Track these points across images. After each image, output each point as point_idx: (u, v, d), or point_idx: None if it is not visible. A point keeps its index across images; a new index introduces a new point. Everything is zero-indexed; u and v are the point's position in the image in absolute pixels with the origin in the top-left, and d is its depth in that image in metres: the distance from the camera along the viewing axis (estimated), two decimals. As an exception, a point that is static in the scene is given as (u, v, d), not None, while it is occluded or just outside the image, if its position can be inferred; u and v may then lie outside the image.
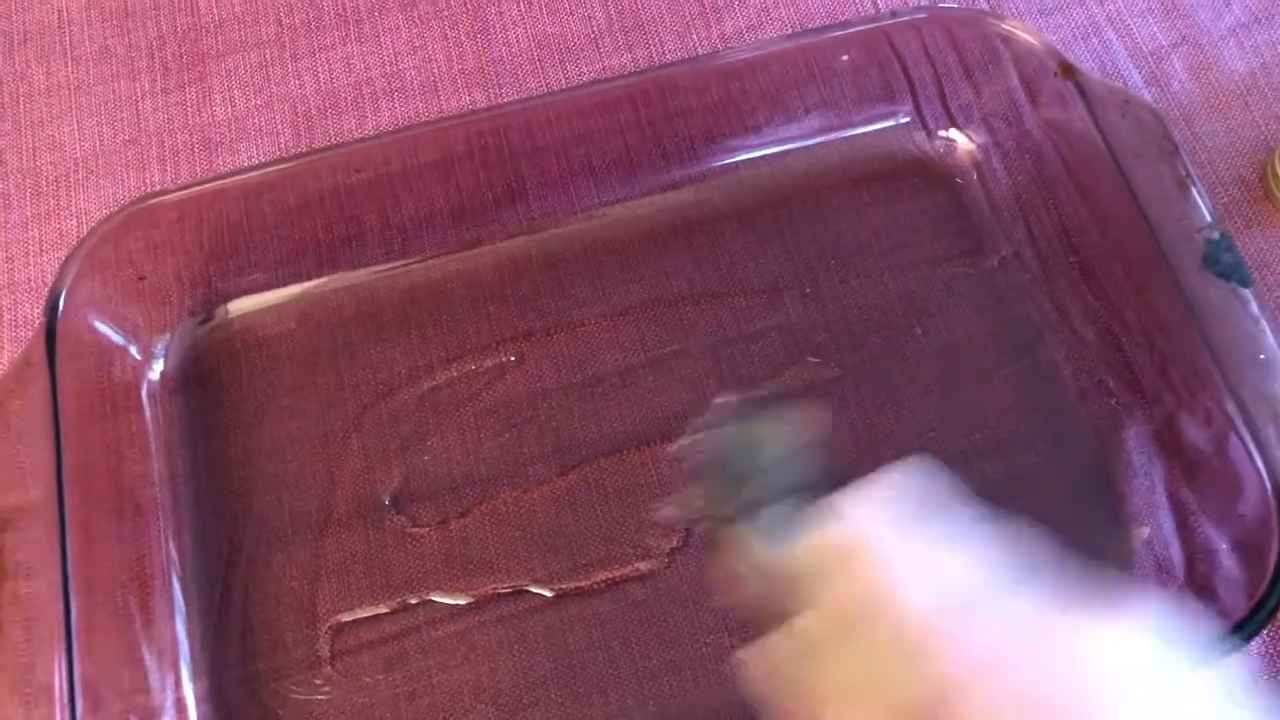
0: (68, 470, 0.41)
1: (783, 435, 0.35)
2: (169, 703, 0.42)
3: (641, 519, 0.45)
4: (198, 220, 0.47)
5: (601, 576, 0.44)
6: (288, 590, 0.44)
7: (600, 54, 0.54)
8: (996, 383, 0.47)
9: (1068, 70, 0.46)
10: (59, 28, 0.56)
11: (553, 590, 0.44)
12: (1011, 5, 0.54)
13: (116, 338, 0.47)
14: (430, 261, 0.50)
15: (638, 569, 0.44)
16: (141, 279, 0.47)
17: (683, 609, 0.44)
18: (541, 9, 0.55)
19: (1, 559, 0.40)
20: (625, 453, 0.47)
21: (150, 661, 0.43)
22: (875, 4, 0.55)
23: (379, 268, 0.50)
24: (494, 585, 0.44)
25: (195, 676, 0.43)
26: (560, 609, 0.44)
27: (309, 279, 0.50)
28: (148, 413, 0.47)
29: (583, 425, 0.47)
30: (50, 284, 0.49)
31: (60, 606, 0.39)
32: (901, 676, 0.29)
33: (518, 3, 0.56)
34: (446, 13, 0.56)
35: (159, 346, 0.48)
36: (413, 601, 0.44)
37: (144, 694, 0.42)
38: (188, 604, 0.44)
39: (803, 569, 0.32)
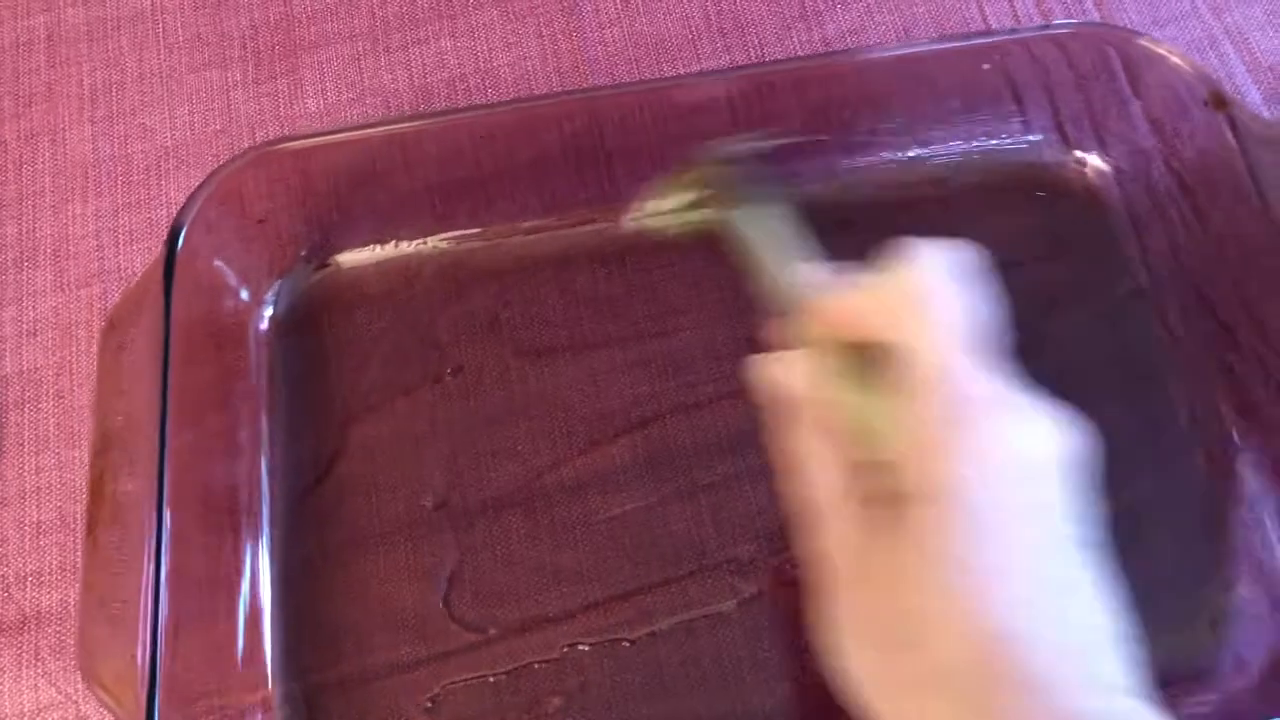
0: (171, 402, 0.41)
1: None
2: (254, 703, 0.42)
3: (733, 523, 0.44)
4: (320, 168, 0.47)
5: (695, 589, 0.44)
6: (375, 592, 0.44)
7: (698, 55, 0.53)
8: (1108, 410, 0.45)
9: (1220, 102, 0.44)
10: (152, 14, 0.56)
11: (639, 619, 0.43)
12: (1126, 17, 0.52)
13: (230, 278, 0.47)
14: (556, 231, 0.50)
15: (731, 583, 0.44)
16: (261, 222, 0.47)
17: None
18: (638, 8, 0.54)
19: (103, 480, 0.40)
20: (714, 464, 0.46)
21: (237, 661, 0.42)
22: (983, 15, 0.53)
23: (497, 227, 0.50)
24: (585, 599, 0.43)
25: (279, 678, 0.43)
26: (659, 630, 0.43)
27: (421, 237, 0.49)
28: (253, 354, 0.47)
29: (674, 436, 0.46)
30: (150, 260, 0.49)
31: (153, 532, 0.39)
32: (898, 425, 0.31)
33: (614, 1, 0.55)
34: (542, 9, 0.55)
35: (270, 291, 0.48)
36: (504, 616, 0.43)
37: (230, 694, 0.41)
38: (274, 602, 0.44)
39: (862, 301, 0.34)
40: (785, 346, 0.35)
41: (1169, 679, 0.40)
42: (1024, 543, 0.30)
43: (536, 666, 0.42)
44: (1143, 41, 0.46)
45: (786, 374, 0.34)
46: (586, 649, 0.43)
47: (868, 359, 0.33)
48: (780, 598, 0.43)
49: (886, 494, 0.31)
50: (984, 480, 0.30)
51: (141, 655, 0.37)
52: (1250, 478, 0.44)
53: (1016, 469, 0.30)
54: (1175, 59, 0.45)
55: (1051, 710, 0.28)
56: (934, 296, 0.33)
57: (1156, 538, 0.44)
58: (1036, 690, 0.28)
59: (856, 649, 0.31)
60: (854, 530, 0.32)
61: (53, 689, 0.44)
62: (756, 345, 0.46)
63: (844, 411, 0.33)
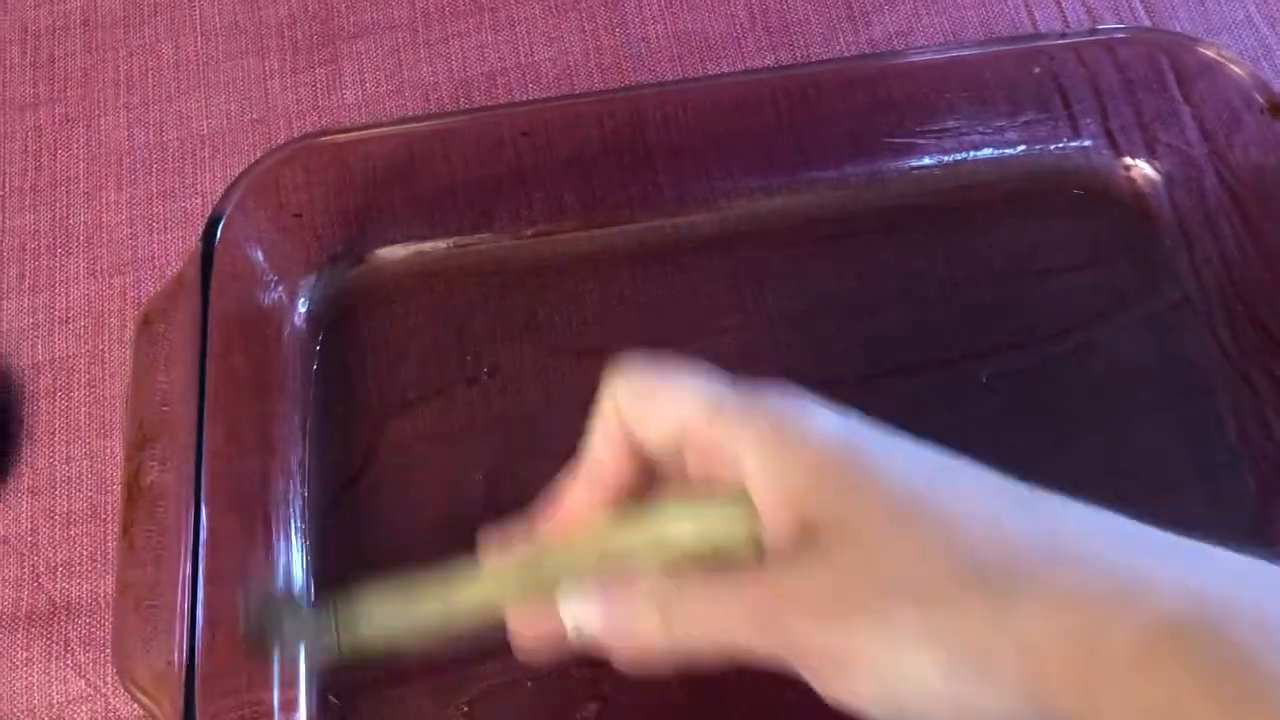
0: (206, 397, 0.41)
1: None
2: (286, 701, 0.41)
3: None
4: (359, 163, 0.47)
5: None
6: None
7: (742, 53, 0.53)
8: (1155, 422, 0.45)
9: (1278, 111, 0.43)
10: (189, 1, 0.55)
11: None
12: (1178, 23, 0.52)
13: (266, 272, 0.47)
14: (596, 231, 0.49)
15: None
16: (298, 216, 0.47)
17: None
18: (682, 4, 0.54)
19: (139, 477, 0.40)
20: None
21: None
22: (1032, 18, 0.52)
23: (537, 225, 0.49)
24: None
25: (313, 678, 0.42)
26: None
27: (459, 234, 0.49)
28: (288, 350, 0.47)
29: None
30: (183, 249, 0.49)
31: (190, 529, 0.38)
32: None
33: (657, -3, 0.54)
34: (584, 4, 0.54)
35: (306, 286, 0.48)
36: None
37: (263, 691, 0.41)
38: (307, 601, 0.43)
39: None
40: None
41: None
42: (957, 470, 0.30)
43: (573, 672, 0.42)
44: (1200, 48, 0.45)
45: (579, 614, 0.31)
46: (624, 655, 0.42)
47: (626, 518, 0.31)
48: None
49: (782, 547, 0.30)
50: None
51: (178, 655, 0.36)
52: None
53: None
54: (1233, 66, 0.45)
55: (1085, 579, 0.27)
56: (650, 384, 0.32)
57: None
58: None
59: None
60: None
61: (82, 681, 0.43)
62: (794, 354, 0.46)
63: (676, 550, 0.30)
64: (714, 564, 0.30)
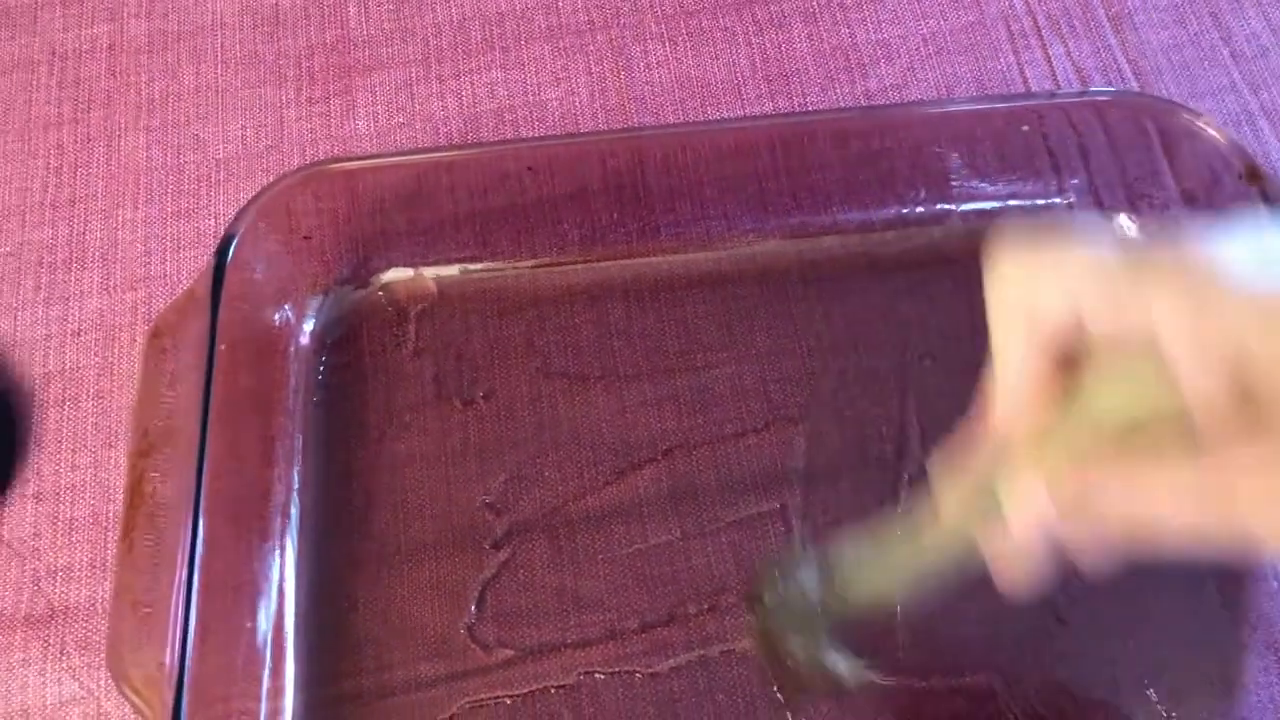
0: (211, 410, 0.42)
1: None
2: (274, 710, 0.43)
3: (754, 561, 0.45)
4: (368, 190, 0.49)
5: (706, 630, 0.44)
6: (398, 608, 0.45)
7: (742, 100, 0.54)
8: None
9: (1254, 176, 0.45)
10: (212, 29, 0.57)
11: (656, 650, 0.44)
12: (1164, 87, 0.53)
13: (275, 291, 0.48)
14: (593, 264, 0.51)
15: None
16: (307, 239, 0.49)
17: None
18: (686, 51, 0.56)
19: (141, 485, 0.41)
20: (738, 502, 0.46)
21: (259, 668, 0.43)
22: (1024, 77, 0.54)
23: (536, 256, 0.51)
24: (604, 628, 0.44)
25: (300, 688, 0.43)
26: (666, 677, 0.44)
27: (461, 262, 0.51)
28: (292, 367, 0.48)
29: (699, 472, 0.47)
30: (195, 268, 0.51)
31: (188, 537, 0.40)
32: None
33: (662, 43, 0.56)
34: (591, 48, 0.56)
35: (312, 306, 0.50)
36: (523, 639, 0.44)
37: (252, 700, 0.42)
38: (298, 612, 0.44)
39: None
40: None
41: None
42: None
43: (552, 691, 0.43)
44: (1184, 114, 0.47)
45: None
46: (602, 678, 0.43)
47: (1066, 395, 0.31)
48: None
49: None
50: None
51: (170, 658, 0.38)
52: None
53: None
54: (1213, 132, 0.46)
55: None
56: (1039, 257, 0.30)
57: (1174, 604, 0.44)
58: None
59: None
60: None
61: (76, 683, 0.44)
62: (780, 390, 0.48)
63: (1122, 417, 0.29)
64: (1144, 440, 0.29)
